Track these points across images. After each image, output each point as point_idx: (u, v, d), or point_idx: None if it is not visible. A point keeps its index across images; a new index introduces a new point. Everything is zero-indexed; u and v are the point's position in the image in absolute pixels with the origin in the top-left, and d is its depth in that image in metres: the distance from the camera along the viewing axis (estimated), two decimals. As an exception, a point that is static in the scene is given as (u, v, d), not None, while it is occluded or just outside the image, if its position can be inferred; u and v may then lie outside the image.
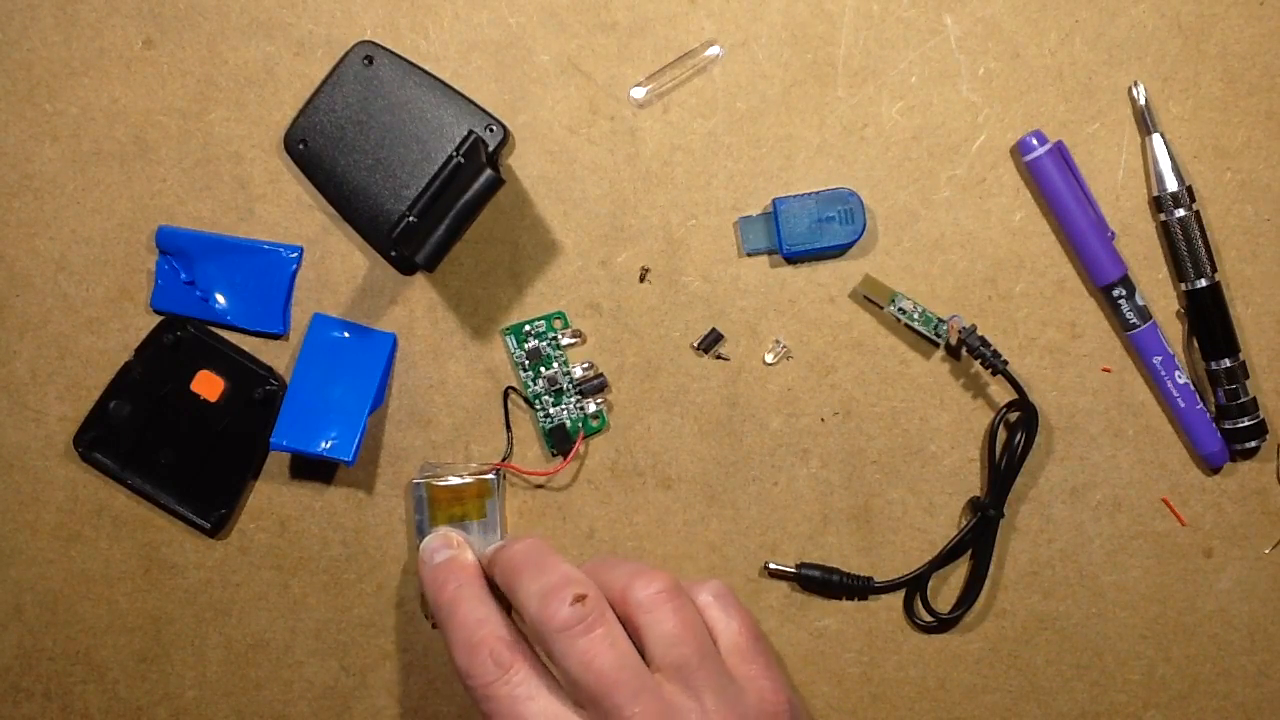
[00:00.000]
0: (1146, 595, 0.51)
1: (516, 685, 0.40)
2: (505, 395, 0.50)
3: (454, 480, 0.49)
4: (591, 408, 0.50)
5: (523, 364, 0.50)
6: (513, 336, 0.50)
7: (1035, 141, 0.48)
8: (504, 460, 0.50)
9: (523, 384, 0.50)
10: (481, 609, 0.43)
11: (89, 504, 0.51)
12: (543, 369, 0.50)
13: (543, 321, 0.50)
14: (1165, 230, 0.49)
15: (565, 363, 0.50)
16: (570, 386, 0.50)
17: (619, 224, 0.50)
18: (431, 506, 0.49)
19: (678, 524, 0.51)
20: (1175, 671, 0.51)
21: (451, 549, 0.46)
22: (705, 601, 0.44)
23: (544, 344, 0.50)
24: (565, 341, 0.50)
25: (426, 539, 0.47)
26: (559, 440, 0.50)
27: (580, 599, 0.40)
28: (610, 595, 0.42)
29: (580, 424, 0.50)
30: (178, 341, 0.50)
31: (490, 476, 0.49)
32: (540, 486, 0.51)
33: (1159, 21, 0.49)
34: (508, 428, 0.50)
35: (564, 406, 0.50)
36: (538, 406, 0.50)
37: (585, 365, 0.50)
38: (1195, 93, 0.49)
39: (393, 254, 0.49)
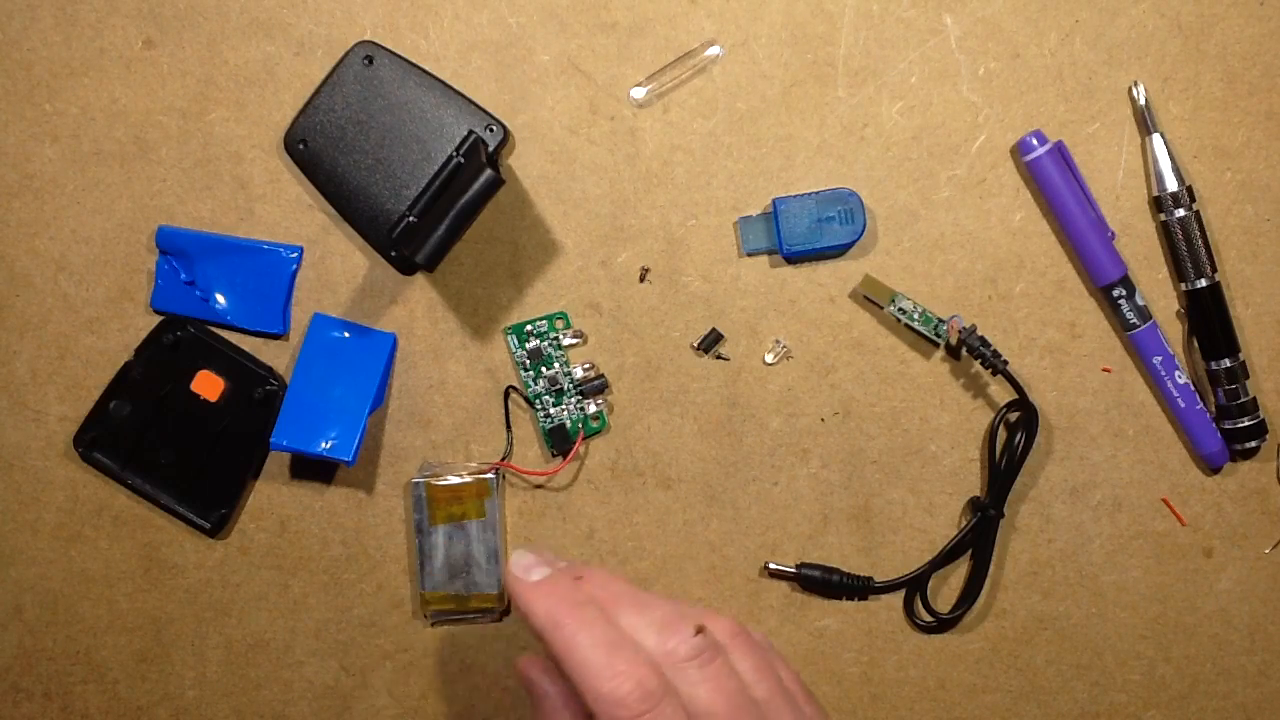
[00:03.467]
0: (1146, 595, 0.51)
1: (664, 717, 0.39)
2: (506, 395, 0.50)
3: (453, 479, 0.49)
4: (592, 408, 0.50)
5: (524, 363, 0.50)
6: (514, 336, 0.50)
7: (1035, 141, 0.48)
8: (503, 460, 0.50)
9: (524, 384, 0.50)
10: (614, 631, 0.40)
11: (89, 504, 0.51)
12: (544, 369, 0.50)
13: (544, 321, 0.50)
14: (1165, 230, 0.49)
15: (566, 363, 0.50)
16: (571, 387, 0.50)
17: (619, 224, 0.50)
18: (431, 505, 0.49)
19: (678, 524, 0.51)
20: (1175, 671, 0.51)
21: (547, 566, 0.43)
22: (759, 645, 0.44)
23: (545, 344, 0.50)
24: (567, 342, 0.50)
25: (516, 554, 0.43)
26: (559, 440, 0.50)
27: (700, 630, 0.40)
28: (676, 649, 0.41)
29: (580, 424, 0.50)
30: (178, 341, 0.50)
31: (489, 476, 0.49)
32: (540, 486, 0.51)
33: (1159, 21, 0.49)
34: (508, 427, 0.50)
35: (564, 407, 0.50)
36: (538, 406, 0.50)
37: (586, 366, 0.50)
38: (1195, 93, 0.49)
39: (393, 254, 0.49)
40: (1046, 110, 0.49)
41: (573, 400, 0.50)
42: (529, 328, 0.50)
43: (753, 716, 0.39)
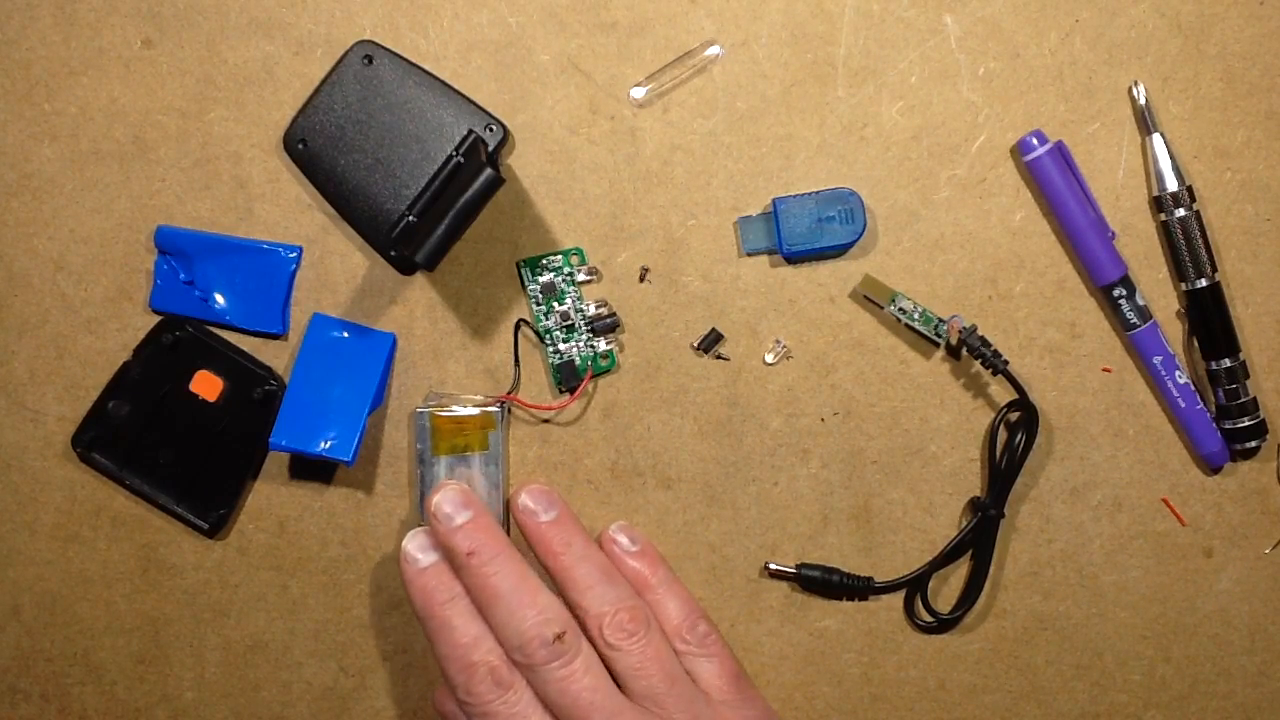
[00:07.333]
0: (1146, 595, 0.51)
1: (514, 704, 0.44)
2: (516, 329, 0.50)
3: (458, 411, 0.49)
4: (602, 346, 0.50)
5: (536, 298, 0.50)
6: (529, 269, 0.49)
7: (1035, 141, 0.48)
8: (510, 393, 0.50)
9: (534, 318, 0.50)
10: (475, 626, 0.45)
11: (88, 504, 0.51)
12: (555, 304, 0.50)
13: (559, 256, 0.50)
14: (1165, 230, 0.49)
15: (580, 299, 0.50)
16: (583, 324, 0.50)
17: (619, 224, 0.50)
18: (434, 436, 0.48)
19: (678, 524, 0.51)
20: (1175, 671, 0.51)
21: (433, 553, 0.46)
22: (685, 646, 0.47)
23: (559, 279, 0.50)
24: (581, 278, 0.50)
25: (409, 536, 0.47)
26: (567, 376, 0.50)
27: (559, 637, 0.44)
28: (585, 623, 0.45)
29: (590, 362, 0.50)
30: (177, 341, 0.49)
31: (494, 409, 0.49)
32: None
33: (1159, 21, 0.49)
34: (516, 362, 0.50)
35: (574, 344, 0.50)
36: (548, 341, 0.50)
37: (599, 303, 0.50)
38: (1195, 93, 0.49)
39: (393, 254, 0.49)
40: (1046, 110, 0.49)
41: (583, 338, 0.50)
42: (544, 261, 0.49)
43: (607, 712, 0.43)
